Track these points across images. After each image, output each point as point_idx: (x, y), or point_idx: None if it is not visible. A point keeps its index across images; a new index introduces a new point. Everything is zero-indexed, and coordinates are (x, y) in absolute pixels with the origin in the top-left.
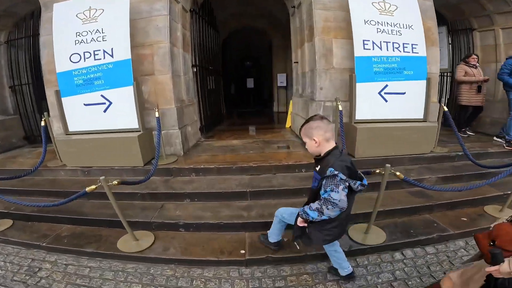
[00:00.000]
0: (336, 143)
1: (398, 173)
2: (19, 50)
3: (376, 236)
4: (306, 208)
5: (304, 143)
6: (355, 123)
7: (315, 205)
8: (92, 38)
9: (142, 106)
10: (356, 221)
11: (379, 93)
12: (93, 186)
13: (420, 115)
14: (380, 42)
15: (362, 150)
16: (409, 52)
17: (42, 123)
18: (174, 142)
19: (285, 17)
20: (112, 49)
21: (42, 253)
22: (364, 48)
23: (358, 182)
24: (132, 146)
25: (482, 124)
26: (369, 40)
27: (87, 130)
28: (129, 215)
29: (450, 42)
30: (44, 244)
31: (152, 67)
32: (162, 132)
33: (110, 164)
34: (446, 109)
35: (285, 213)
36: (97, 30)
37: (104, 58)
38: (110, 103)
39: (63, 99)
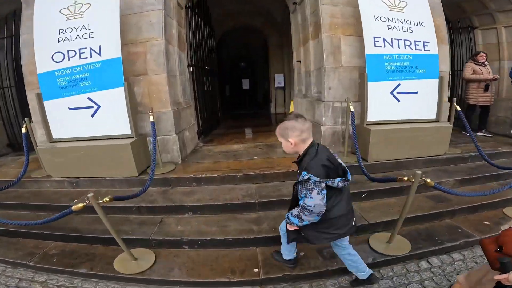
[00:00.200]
0: (313, 140)
1: (428, 180)
2: (1, 51)
3: (400, 245)
4: (289, 214)
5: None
6: (367, 125)
7: (295, 211)
8: (78, 35)
9: (135, 109)
10: (375, 230)
11: (391, 92)
12: (80, 205)
13: (433, 115)
14: (391, 39)
15: (376, 154)
16: (421, 50)
17: (23, 130)
18: (171, 148)
19: (283, 15)
20: (100, 46)
21: (31, 272)
22: (375, 46)
23: (338, 179)
24: (124, 154)
25: (487, 123)
26: (380, 37)
27: (73, 137)
28: (125, 232)
29: (450, 41)
30: (31, 263)
31: (145, 67)
32: (158, 138)
33: (101, 175)
34: (459, 108)
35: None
36: (83, 26)
37: (91, 56)
38: (99, 106)
39: (45, 103)
